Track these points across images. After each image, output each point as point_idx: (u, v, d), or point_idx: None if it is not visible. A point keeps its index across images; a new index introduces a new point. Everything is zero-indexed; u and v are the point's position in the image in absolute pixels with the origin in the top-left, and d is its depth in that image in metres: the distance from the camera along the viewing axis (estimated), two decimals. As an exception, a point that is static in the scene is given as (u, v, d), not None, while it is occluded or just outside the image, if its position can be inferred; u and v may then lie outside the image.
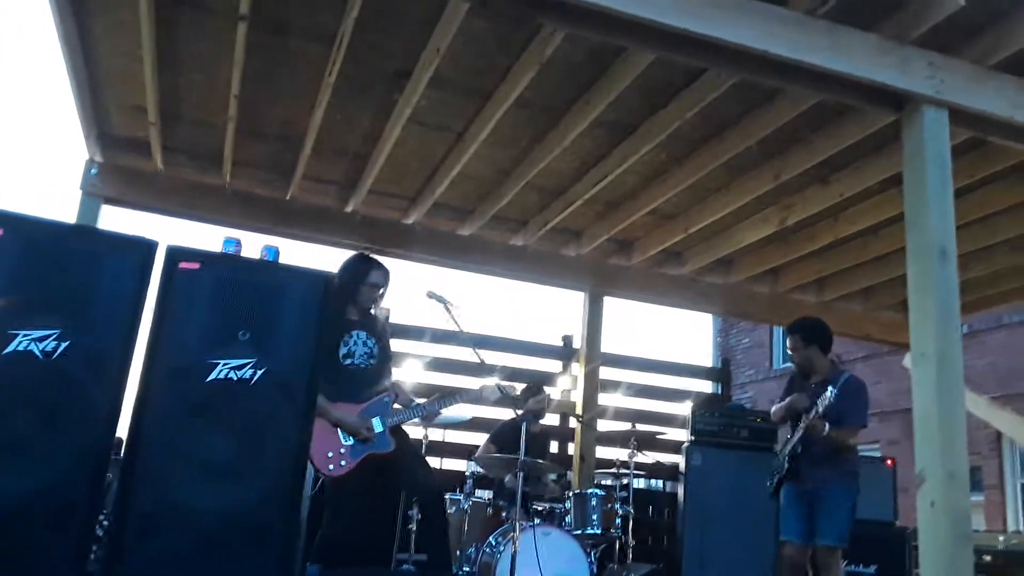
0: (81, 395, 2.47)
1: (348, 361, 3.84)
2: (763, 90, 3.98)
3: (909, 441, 3.09)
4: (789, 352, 4.68)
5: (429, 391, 5.78)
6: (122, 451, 2.67)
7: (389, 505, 4.24)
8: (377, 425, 3.79)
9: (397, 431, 3.97)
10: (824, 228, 5.49)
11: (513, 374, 6.14)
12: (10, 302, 2.45)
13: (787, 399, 4.49)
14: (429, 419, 4.18)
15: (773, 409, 4.61)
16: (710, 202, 5.24)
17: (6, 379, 2.42)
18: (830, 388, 4.04)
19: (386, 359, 4.09)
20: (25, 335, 2.43)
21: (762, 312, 7.03)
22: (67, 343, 2.47)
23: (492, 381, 4.35)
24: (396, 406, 3.98)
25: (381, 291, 4.09)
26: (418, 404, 4.09)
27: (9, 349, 2.42)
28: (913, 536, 5.23)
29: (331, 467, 3.62)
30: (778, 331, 13.57)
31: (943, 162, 3.31)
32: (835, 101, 3.83)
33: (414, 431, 4.68)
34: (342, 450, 3.67)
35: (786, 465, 4.32)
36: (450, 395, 4.26)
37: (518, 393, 4.37)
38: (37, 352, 2.44)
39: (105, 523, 2.63)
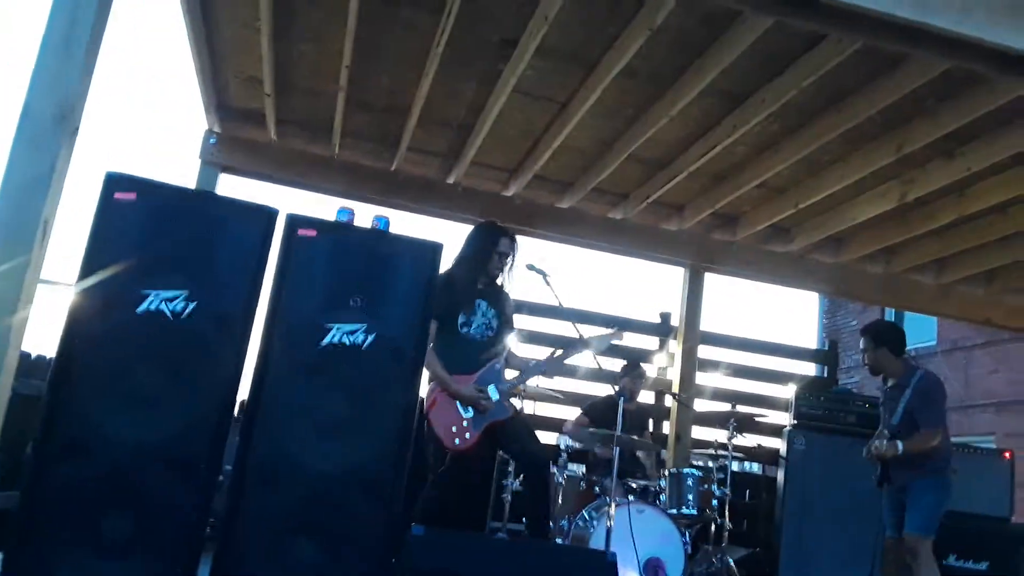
0: (207, 354, 2.61)
1: (465, 330, 3.81)
2: (886, 56, 3.76)
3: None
4: (862, 354, 4.62)
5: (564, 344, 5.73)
6: (240, 412, 2.81)
7: (491, 473, 4.27)
8: (493, 393, 3.76)
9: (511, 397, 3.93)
10: (947, 205, 5.18)
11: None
12: (141, 263, 2.59)
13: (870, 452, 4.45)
14: (545, 375, 4.05)
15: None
16: (824, 175, 5.02)
17: (139, 335, 2.58)
18: (899, 443, 4.14)
19: (505, 331, 4.02)
20: (156, 295, 2.58)
21: (873, 293, 6.72)
22: (195, 304, 2.60)
23: (600, 331, 4.19)
24: (508, 372, 3.93)
25: (510, 259, 4.02)
26: (530, 365, 4.00)
27: (142, 308, 2.57)
28: (1031, 534, 4.96)
29: (457, 441, 3.63)
30: (890, 313, 12.95)
31: (1081, 137, 3.06)
32: (964, 69, 3.59)
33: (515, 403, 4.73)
34: (464, 423, 3.66)
35: (878, 471, 4.37)
36: (557, 356, 4.10)
37: (620, 338, 4.19)
38: (167, 311, 2.58)
39: (225, 477, 2.77)
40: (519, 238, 4.19)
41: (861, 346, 4.61)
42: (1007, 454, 5.69)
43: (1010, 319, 6.59)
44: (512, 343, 4.03)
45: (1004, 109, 3.87)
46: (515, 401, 4.76)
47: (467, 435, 3.67)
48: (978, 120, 4.03)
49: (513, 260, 4.04)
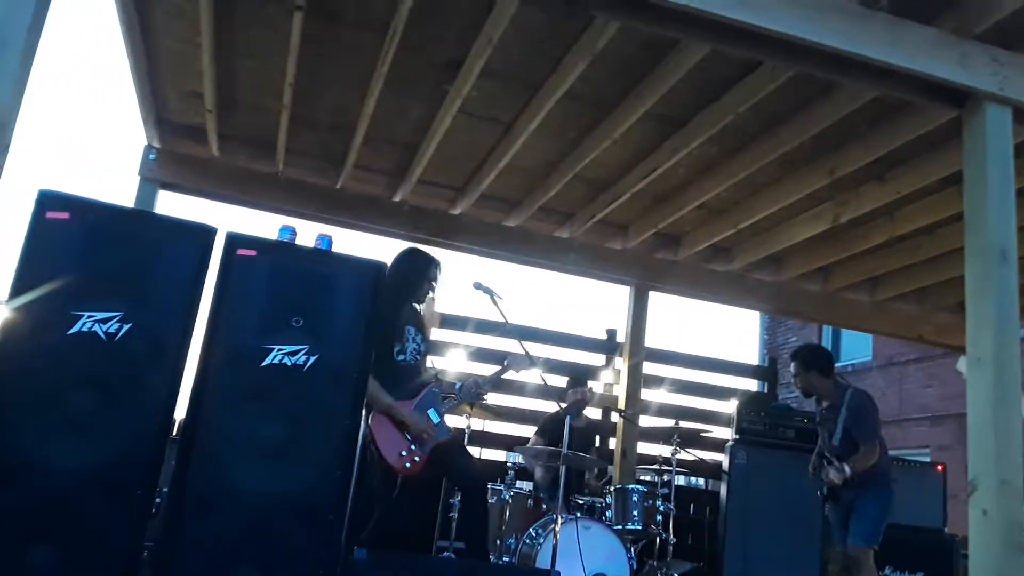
0: (142, 376, 2.55)
1: (400, 357, 3.86)
2: (819, 84, 3.90)
3: (960, 447, 3.04)
4: (792, 378, 4.80)
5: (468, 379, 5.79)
6: (178, 433, 2.75)
7: (437, 494, 4.28)
8: (434, 416, 3.83)
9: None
10: (879, 226, 5.37)
11: (556, 366, 6.15)
12: (74, 283, 2.53)
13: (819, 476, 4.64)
14: (476, 397, 4.16)
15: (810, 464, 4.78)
16: (761, 197, 5.16)
17: (71, 358, 2.51)
18: (846, 465, 4.25)
19: (428, 351, 4.13)
20: (89, 316, 2.51)
21: (812, 311, 6.91)
22: (129, 325, 2.54)
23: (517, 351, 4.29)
24: (446, 395, 4.02)
25: (435, 285, 4.09)
26: (462, 387, 4.11)
27: (74, 329, 2.51)
28: (963, 544, 5.13)
29: (407, 464, 3.67)
30: (828, 330, 13.30)
31: (1005, 161, 3.22)
32: (893, 96, 3.74)
33: (456, 422, 4.74)
34: (412, 447, 3.71)
35: (825, 492, 4.52)
36: (484, 377, 4.25)
37: (536, 362, 4.27)
38: (101, 333, 2.52)
39: (161, 501, 2.71)
40: (438, 255, 4.24)
41: (792, 371, 4.76)
42: (940, 467, 5.89)
43: (941, 335, 6.84)
44: (434, 364, 4.15)
45: (932, 134, 4.04)
46: (462, 419, 4.79)
47: (416, 458, 3.72)
48: (907, 145, 4.19)
49: (437, 284, 4.11)
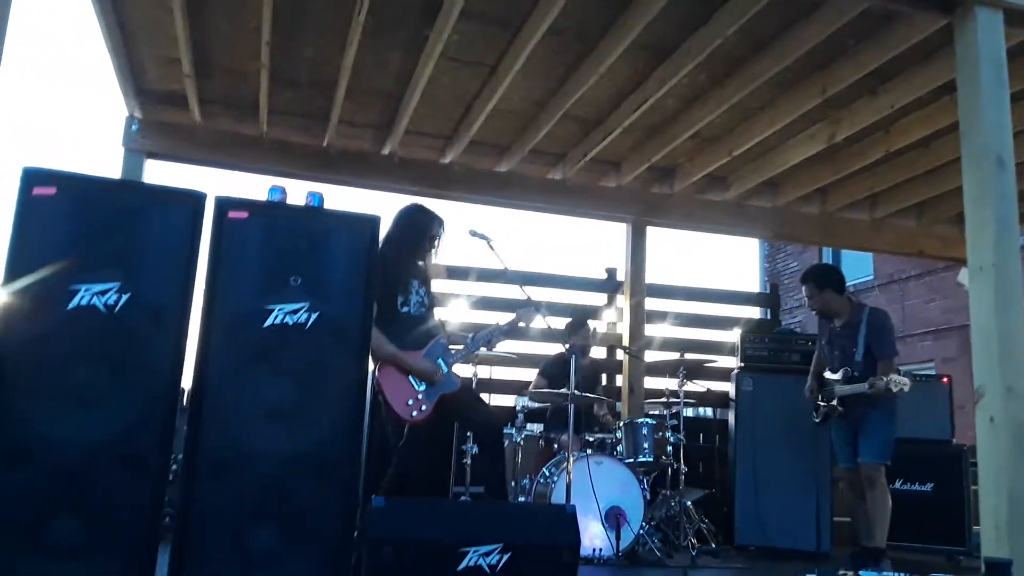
0: (144, 345, 2.54)
1: (405, 309, 3.88)
2: (805, 1, 3.82)
3: (965, 358, 3.07)
4: (807, 301, 4.79)
5: (476, 329, 5.82)
6: (187, 400, 2.76)
7: (447, 443, 4.35)
8: (442, 366, 3.87)
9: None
10: (875, 142, 5.33)
11: (558, 309, 6.17)
12: (70, 260, 2.51)
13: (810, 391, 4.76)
14: (487, 348, 4.17)
15: (808, 383, 4.82)
16: (754, 122, 5.11)
17: (73, 332, 2.50)
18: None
19: (434, 304, 4.13)
20: (87, 289, 2.50)
21: (811, 234, 6.90)
22: (127, 295, 2.52)
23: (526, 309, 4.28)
24: (453, 345, 4.04)
25: (438, 242, 4.09)
26: (472, 338, 4.13)
27: (73, 304, 2.50)
28: (970, 453, 5.21)
29: (414, 413, 3.72)
30: (828, 253, 13.28)
31: (998, 66, 3.18)
32: (881, 7, 3.67)
33: (463, 370, 4.78)
34: (419, 396, 3.75)
35: (840, 408, 4.51)
36: (494, 328, 4.23)
37: (543, 310, 4.29)
38: (100, 305, 2.51)
39: (176, 468, 2.74)
40: (432, 206, 4.22)
41: (805, 293, 4.76)
42: (945, 379, 5.94)
43: (942, 249, 6.84)
44: (439, 313, 4.14)
45: (922, 44, 3.98)
46: (469, 367, 4.83)
47: (423, 407, 3.75)
48: (898, 57, 4.13)
49: (440, 241, 4.10)
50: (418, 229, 4.02)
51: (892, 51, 4.08)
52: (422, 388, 3.78)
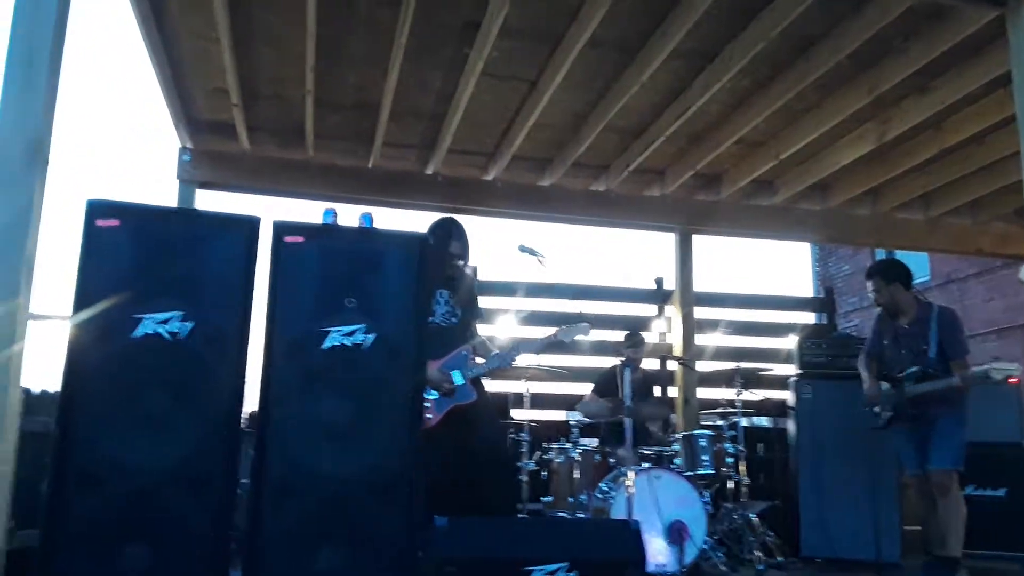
0: (207, 371, 2.59)
1: (429, 320, 3.83)
2: (849, 0, 3.76)
3: (1031, 357, 2.93)
4: (872, 296, 4.66)
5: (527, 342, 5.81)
6: (250, 424, 2.79)
7: (462, 453, 4.22)
8: (457, 378, 3.85)
9: (477, 384, 3.99)
10: (926, 140, 5.20)
11: (608, 321, 6.12)
12: (131, 288, 2.57)
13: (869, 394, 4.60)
14: (504, 367, 4.08)
15: (866, 386, 4.66)
16: (801, 125, 5.03)
17: (138, 360, 2.56)
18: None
19: (470, 318, 4.11)
20: (151, 318, 2.56)
21: (864, 235, 6.75)
22: (190, 323, 2.58)
23: (566, 326, 4.20)
24: (475, 359, 4.01)
25: (460, 260, 4.07)
26: (495, 354, 4.07)
27: (139, 332, 2.55)
28: (1045, 455, 5.01)
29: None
30: (880, 253, 12.97)
31: (1057, 55, 3.07)
32: (929, 3, 3.59)
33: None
34: (427, 404, 3.72)
35: (910, 411, 4.34)
36: (524, 342, 4.21)
37: (587, 332, 4.20)
38: (164, 333, 2.57)
39: (241, 492, 2.77)
40: (475, 223, 4.25)
41: (871, 288, 4.61)
42: (1013, 380, 5.72)
43: (999, 246, 6.64)
44: (480, 329, 4.13)
45: (972, 38, 3.88)
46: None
47: (428, 415, 3.72)
48: (947, 52, 4.04)
49: (466, 257, 4.10)
50: (437, 241, 3.99)
51: (941, 46, 3.99)
52: (433, 396, 3.76)
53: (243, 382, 2.65)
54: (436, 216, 4.89)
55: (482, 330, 4.50)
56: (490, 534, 2.81)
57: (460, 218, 4.33)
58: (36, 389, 4.01)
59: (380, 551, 2.59)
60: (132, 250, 2.63)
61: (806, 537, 5.09)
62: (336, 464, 2.59)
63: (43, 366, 3.49)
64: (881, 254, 13.09)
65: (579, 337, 4.20)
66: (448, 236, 4.04)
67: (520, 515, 4.41)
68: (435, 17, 3.93)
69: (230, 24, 3.90)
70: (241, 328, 2.65)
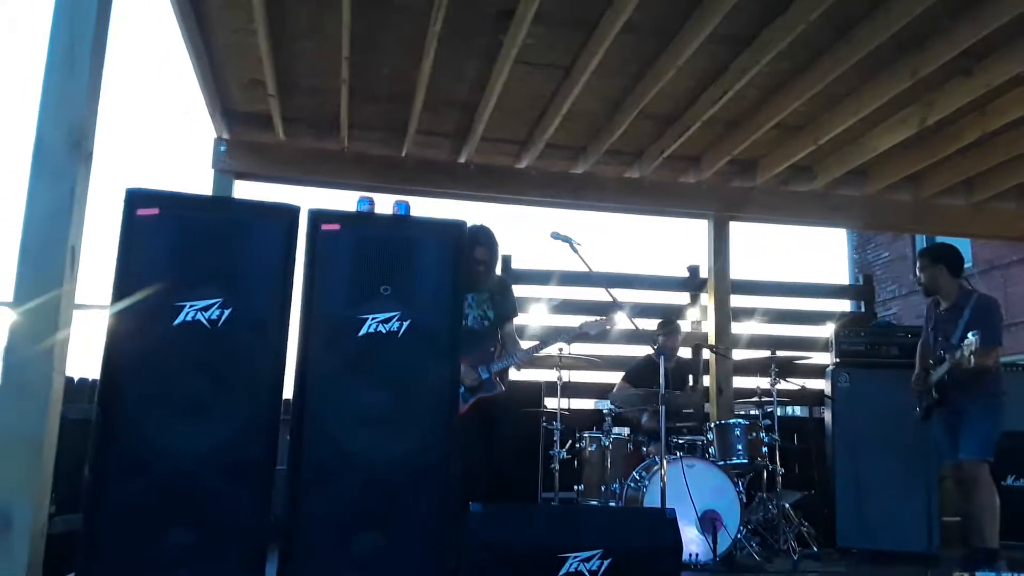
0: (247, 358, 2.64)
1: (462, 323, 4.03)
2: (893, -21, 3.67)
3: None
4: (918, 274, 4.63)
5: (556, 335, 5.83)
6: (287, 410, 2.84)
7: (491, 442, 4.38)
8: (483, 372, 4.05)
9: (503, 377, 4.22)
10: (970, 124, 5.06)
11: (642, 309, 6.09)
12: (172, 276, 2.62)
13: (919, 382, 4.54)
14: (525, 363, 4.35)
15: (914, 375, 4.63)
16: (841, 109, 4.92)
17: (179, 348, 2.61)
18: (971, 334, 3.94)
19: (502, 319, 4.26)
20: (191, 306, 2.61)
21: (904, 222, 6.61)
22: (229, 310, 2.62)
23: (592, 318, 4.46)
24: (503, 354, 4.21)
25: (484, 266, 4.21)
26: (521, 351, 4.26)
27: (179, 320, 2.61)
28: (1079, 445, 4.88)
29: None
30: (921, 240, 12.72)
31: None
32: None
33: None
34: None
35: (935, 395, 4.34)
36: (547, 337, 4.44)
37: (613, 325, 4.48)
38: (204, 321, 2.62)
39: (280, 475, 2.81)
40: (509, 211, 4.40)
41: (918, 266, 4.60)
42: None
43: (1046, 232, 6.46)
44: (511, 330, 4.32)
45: (1018, 19, 3.77)
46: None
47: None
48: (993, 33, 3.92)
49: (494, 261, 4.28)
50: (465, 255, 4.14)
51: (986, 28, 3.87)
52: (460, 389, 3.89)
53: (283, 367, 2.69)
54: (469, 204, 4.96)
55: (520, 321, 4.69)
56: (525, 521, 2.83)
57: (493, 206, 4.39)
58: (76, 377, 4.11)
59: (416, 536, 2.62)
60: (172, 239, 2.68)
61: (842, 527, 5.03)
62: (372, 450, 2.63)
63: (82, 354, 3.57)
64: (922, 240, 12.84)
65: (607, 327, 4.37)
66: (475, 243, 4.15)
67: (552, 503, 4.42)
68: (469, 5, 3.92)
69: (266, 16, 3.93)
70: (280, 315, 2.69)
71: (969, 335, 3.94)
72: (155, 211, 2.65)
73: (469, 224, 4.29)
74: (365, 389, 2.67)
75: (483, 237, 4.21)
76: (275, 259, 2.70)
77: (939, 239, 12.40)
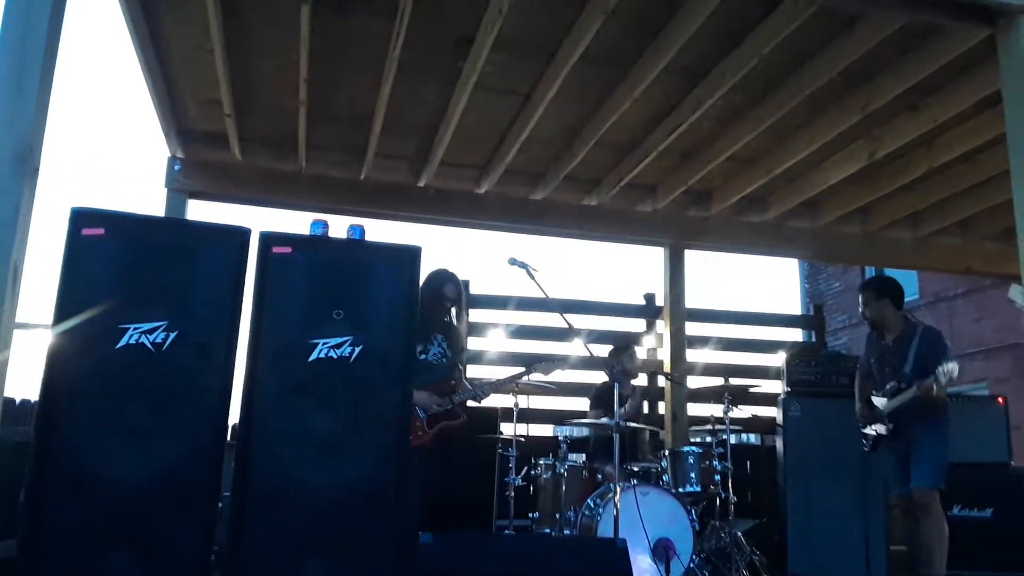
0: (192, 382, 2.57)
1: (423, 357, 4.24)
2: (843, 17, 3.78)
3: (1018, 378, 2.93)
4: (861, 310, 4.70)
5: (513, 359, 5.83)
6: (235, 435, 2.77)
7: (451, 469, 4.43)
8: (446, 403, 4.22)
9: (463, 407, 4.33)
10: (917, 159, 5.23)
11: (598, 336, 6.11)
12: (116, 297, 2.55)
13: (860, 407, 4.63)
14: (480, 398, 4.49)
15: (857, 408, 4.69)
16: (792, 142, 5.04)
17: (122, 370, 2.53)
18: (949, 363, 4.00)
19: (457, 354, 4.44)
20: (135, 328, 2.54)
21: (854, 254, 6.77)
22: (175, 333, 2.56)
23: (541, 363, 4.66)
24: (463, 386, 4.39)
25: (457, 301, 4.47)
26: (474, 385, 4.48)
27: (123, 343, 2.53)
28: (1031, 475, 5.01)
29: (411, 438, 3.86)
30: (870, 271, 13.04)
31: (1047, 76, 3.08)
32: (921, 22, 3.61)
33: (506, 399, 4.80)
34: (417, 423, 4.08)
35: (889, 425, 4.38)
36: (489, 383, 4.63)
37: (564, 363, 4.81)
38: (148, 344, 2.54)
39: (223, 504, 2.73)
40: (467, 235, 4.57)
41: (861, 300, 4.65)
42: (1001, 399, 5.73)
43: (990, 265, 6.67)
44: (463, 360, 4.59)
45: (964, 57, 3.90)
46: (510, 397, 4.82)
47: (419, 432, 4.08)
48: (940, 70, 4.06)
49: (461, 302, 4.52)
50: (432, 290, 4.35)
51: (933, 65, 4.01)
52: (423, 416, 4.12)
53: (229, 392, 2.63)
54: (428, 228, 5.00)
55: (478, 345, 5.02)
56: (476, 550, 2.78)
57: (451, 231, 4.45)
58: (17, 399, 3.97)
59: (364, 564, 2.55)
60: (118, 259, 2.61)
61: (793, 555, 5.07)
62: (320, 475, 2.57)
63: (24, 375, 3.46)
64: (871, 272, 13.17)
65: (553, 370, 4.62)
66: (443, 281, 4.41)
67: (505, 531, 4.38)
68: (429, 30, 3.93)
69: (223, 34, 3.89)
70: (228, 339, 2.63)
71: (948, 364, 3.98)
72: (101, 231, 2.58)
73: (435, 268, 4.43)
74: (314, 414, 2.62)
75: (452, 276, 4.45)
76: (225, 282, 2.65)
77: (887, 271, 12.76)
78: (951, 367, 3.97)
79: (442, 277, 4.45)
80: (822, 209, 6.15)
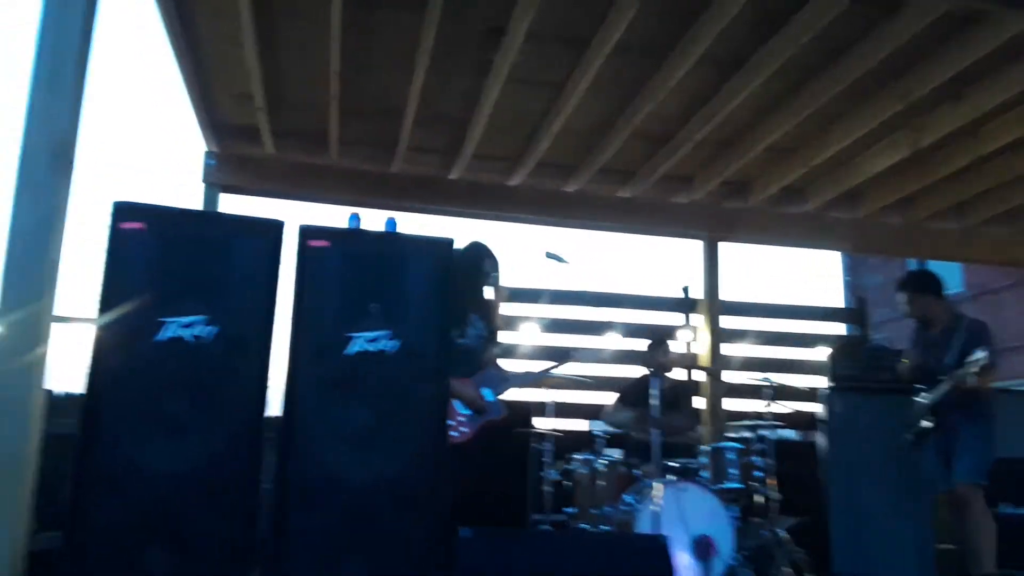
0: (230, 376, 2.57)
1: (461, 341, 3.99)
2: (884, 4, 3.68)
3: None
4: (903, 309, 4.60)
5: (546, 353, 5.78)
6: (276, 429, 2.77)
7: (495, 467, 4.32)
8: (488, 395, 3.98)
9: (504, 400, 4.15)
10: (961, 148, 5.08)
11: (633, 329, 6.05)
12: (156, 291, 2.56)
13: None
14: (528, 385, 4.44)
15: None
16: (833, 131, 4.93)
17: (161, 364, 2.54)
18: (978, 351, 3.90)
19: (494, 337, 4.25)
20: (174, 322, 2.55)
21: (896, 245, 6.61)
22: (213, 327, 2.56)
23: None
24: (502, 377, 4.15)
25: (494, 276, 4.19)
26: (517, 374, 4.31)
27: (161, 336, 2.54)
28: (1076, 471, 4.85)
29: (455, 434, 3.76)
30: (913, 265, 12.78)
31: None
32: (964, 7, 3.50)
33: (543, 394, 4.75)
34: (460, 418, 3.84)
35: (932, 419, 4.30)
36: (543, 371, 4.52)
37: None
38: (187, 337, 2.55)
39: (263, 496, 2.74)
40: (500, 229, 4.42)
41: (902, 300, 4.55)
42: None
43: (1037, 256, 6.48)
44: (499, 351, 4.33)
45: (1009, 44, 3.79)
46: (546, 392, 4.78)
47: (463, 429, 3.83)
48: (983, 58, 3.94)
49: (497, 277, 4.23)
50: (471, 264, 4.11)
51: (977, 52, 3.90)
52: (466, 412, 3.87)
53: (266, 386, 2.63)
54: (460, 221, 4.95)
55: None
56: (516, 547, 2.75)
57: (483, 224, 4.38)
58: (60, 391, 4.03)
59: (403, 560, 2.54)
60: (157, 253, 2.62)
61: (837, 555, 4.96)
62: (359, 471, 2.55)
63: (68, 368, 3.50)
64: (913, 264, 12.90)
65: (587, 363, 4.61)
66: (480, 256, 4.13)
67: (541, 526, 4.35)
68: (460, 21, 3.90)
69: (255, 30, 3.90)
70: (265, 333, 2.63)
71: (977, 352, 3.90)
72: (140, 225, 2.60)
73: (469, 241, 4.32)
74: (352, 409, 2.61)
75: (487, 249, 4.18)
76: (261, 275, 2.64)
77: (930, 264, 12.47)
78: (979, 356, 3.87)
79: (480, 251, 4.20)
80: (863, 200, 6.02)
